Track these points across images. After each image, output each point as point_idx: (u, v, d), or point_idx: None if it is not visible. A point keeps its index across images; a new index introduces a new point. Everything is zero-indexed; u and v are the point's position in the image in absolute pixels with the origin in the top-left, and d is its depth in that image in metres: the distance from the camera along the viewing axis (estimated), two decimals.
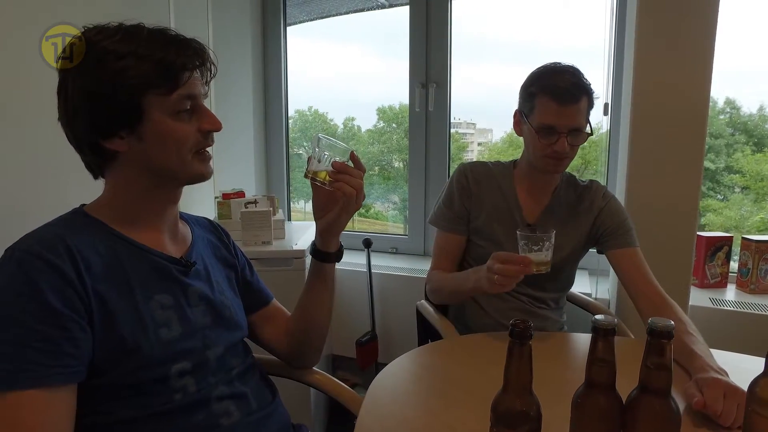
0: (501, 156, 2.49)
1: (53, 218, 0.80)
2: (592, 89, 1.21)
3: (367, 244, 2.05)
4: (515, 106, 1.30)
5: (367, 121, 2.62)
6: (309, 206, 2.84)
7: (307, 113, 2.71)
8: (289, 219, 2.63)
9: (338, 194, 0.89)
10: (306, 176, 0.90)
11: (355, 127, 2.68)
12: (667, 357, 0.59)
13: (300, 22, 2.46)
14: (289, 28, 2.43)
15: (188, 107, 0.79)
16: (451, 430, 0.82)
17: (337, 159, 0.89)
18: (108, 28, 0.77)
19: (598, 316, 0.61)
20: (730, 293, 1.86)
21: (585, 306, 1.51)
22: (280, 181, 2.53)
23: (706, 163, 1.96)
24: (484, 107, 2.42)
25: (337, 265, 1.02)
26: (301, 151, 2.76)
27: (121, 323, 0.74)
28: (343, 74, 2.49)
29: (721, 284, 1.89)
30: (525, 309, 1.35)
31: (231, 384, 0.86)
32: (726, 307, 1.72)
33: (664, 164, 1.59)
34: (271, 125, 2.49)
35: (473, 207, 1.36)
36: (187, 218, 0.96)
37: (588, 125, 1.22)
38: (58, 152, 0.90)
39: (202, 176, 0.84)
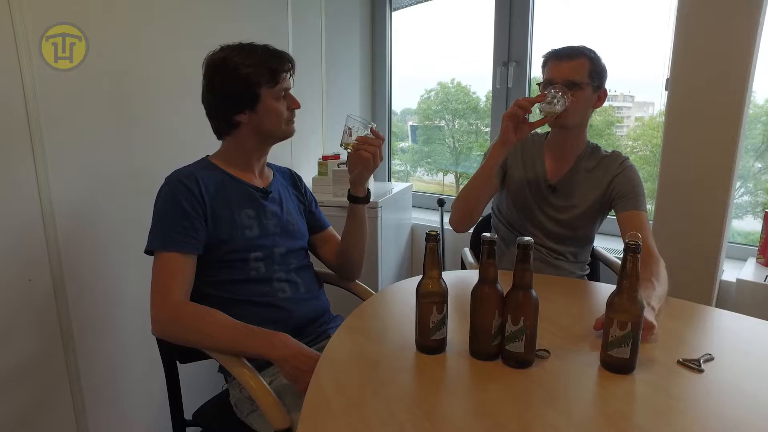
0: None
1: (191, 162, 1.31)
2: (594, 59, 1.43)
3: (440, 203, 2.39)
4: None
5: None
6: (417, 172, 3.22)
7: (450, 86, 2.86)
8: (389, 180, 3.06)
9: (359, 157, 1.27)
10: (341, 146, 1.30)
11: None
12: (528, 263, 0.88)
13: (403, 7, 2.81)
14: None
15: (284, 95, 1.25)
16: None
17: (361, 131, 1.27)
18: (233, 47, 1.23)
19: (487, 234, 0.91)
20: None
21: (609, 264, 1.69)
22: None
23: None
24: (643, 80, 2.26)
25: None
26: (442, 123, 2.96)
27: (222, 224, 1.22)
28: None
29: None
30: (544, 260, 1.60)
31: (288, 273, 1.31)
32: None
33: (699, 137, 1.68)
34: (376, 101, 2.92)
35: (511, 160, 1.62)
36: (273, 166, 1.43)
37: (591, 87, 1.42)
38: (197, 126, 1.37)
39: (290, 133, 1.31)
